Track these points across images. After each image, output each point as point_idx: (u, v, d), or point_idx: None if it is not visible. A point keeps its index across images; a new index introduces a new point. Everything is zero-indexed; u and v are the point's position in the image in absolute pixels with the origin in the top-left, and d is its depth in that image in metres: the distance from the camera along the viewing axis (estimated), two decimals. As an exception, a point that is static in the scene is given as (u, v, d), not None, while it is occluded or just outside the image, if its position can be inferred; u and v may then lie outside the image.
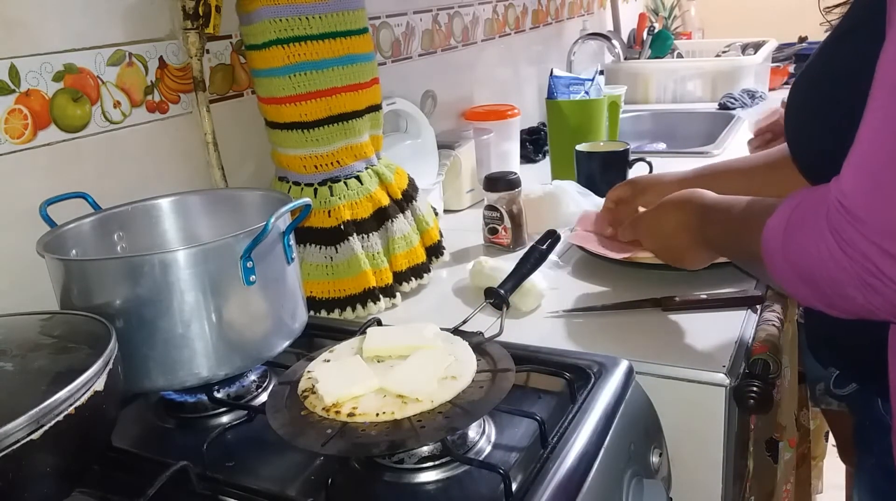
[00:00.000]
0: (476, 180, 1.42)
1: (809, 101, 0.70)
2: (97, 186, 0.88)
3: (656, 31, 2.42)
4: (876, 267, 0.52)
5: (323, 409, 0.65)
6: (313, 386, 0.68)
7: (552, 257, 1.00)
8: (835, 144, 0.56)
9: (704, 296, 0.93)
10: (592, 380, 0.74)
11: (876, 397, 0.70)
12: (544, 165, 1.67)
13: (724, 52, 2.53)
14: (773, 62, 2.36)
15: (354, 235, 0.96)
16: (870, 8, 0.55)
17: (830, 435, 1.51)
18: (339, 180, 0.97)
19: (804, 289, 0.60)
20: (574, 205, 1.22)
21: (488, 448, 0.67)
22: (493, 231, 1.19)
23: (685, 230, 0.83)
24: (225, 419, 0.77)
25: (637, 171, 1.34)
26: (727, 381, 0.77)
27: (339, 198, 0.96)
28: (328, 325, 0.94)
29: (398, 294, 1.01)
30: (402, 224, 1.01)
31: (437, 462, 0.64)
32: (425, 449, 0.64)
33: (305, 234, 0.96)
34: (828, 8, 0.74)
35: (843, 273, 0.54)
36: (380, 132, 1.04)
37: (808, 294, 0.60)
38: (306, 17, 0.91)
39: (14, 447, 0.51)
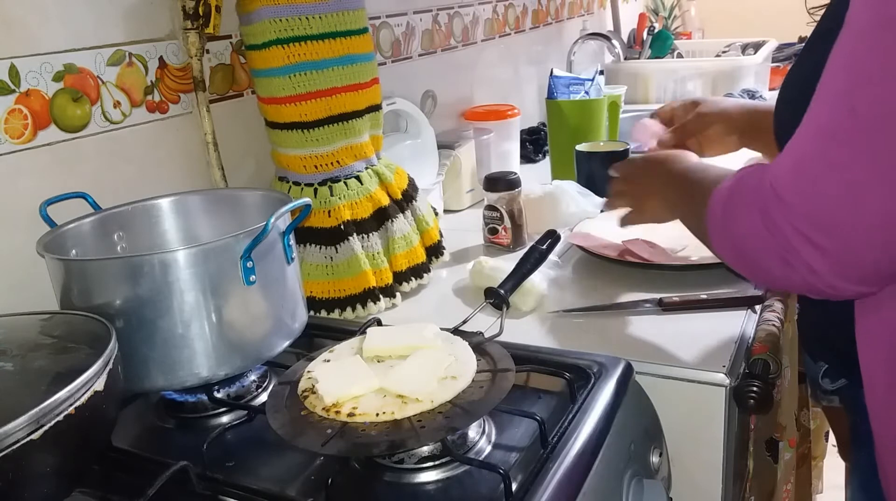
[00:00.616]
0: (476, 180, 1.42)
1: (795, 99, 0.71)
2: (97, 186, 0.88)
3: (656, 31, 2.42)
4: (791, 245, 0.57)
5: (323, 409, 0.65)
6: (313, 386, 0.68)
7: (552, 257, 1.00)
8: None
9: (704, 296, 0.93)
10: (592, 380, 0.74)
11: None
12: (544, 165, 1.67)
13: (724, 52, 2.53)
14: (773, 62, 2.36)
15: (354, 235, 0.96)
16: (844, 8, 0.56)
17: (831, 435, 1.51)
18: (339, 180, 0.97)
19: (736, 260, 0.65)
20: (574, 205, 1.22)
21: (488, 448, 0.67)
22: (493, 231, 1.19)
23: (654, 188, 0.88)
24: (225, 419, 0.77)
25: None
26: (727, 381, 0.77)
27: (339, 198, 0.96)
28: (328, 325, 0.94)
29: (398, 294, 1.01)
30: (402, 224, 1.01)
31: (437, 462, 0.64)
32: (425, 449, 0.64)
33: (305, 234, 0.96)
34: (813, 8, 0.75)
35: (766, 249, 0.59)
36: (380, 132, 1.04)
37: (739, 265, 0.65)
38: (306, 17, 0.91)
39: (14, 447, 0.51)
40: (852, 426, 0.77)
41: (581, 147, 1.37)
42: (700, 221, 0.69)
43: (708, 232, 0.67)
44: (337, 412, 0.64)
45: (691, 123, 1.04)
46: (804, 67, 0.72)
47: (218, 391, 0.78)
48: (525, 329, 0.91)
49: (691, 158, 0.85)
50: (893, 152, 0.52)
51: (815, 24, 0.72)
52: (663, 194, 0.86)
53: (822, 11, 0.72)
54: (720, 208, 0.64)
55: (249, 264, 0.73)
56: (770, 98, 2.11)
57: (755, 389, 0.76)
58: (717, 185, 0.66)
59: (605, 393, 0.72)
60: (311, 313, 0.92)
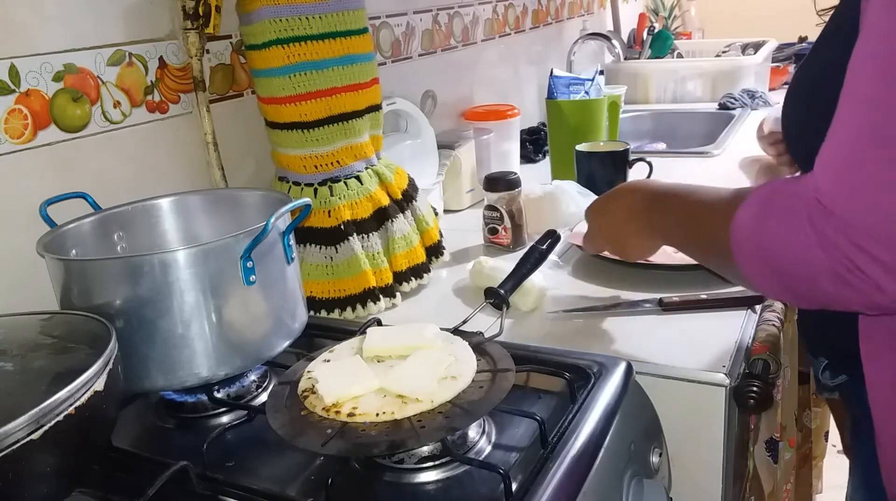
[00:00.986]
0: (476, 180, 1.42)
1: (803, 98, 0.71)
2: (97, 186, 0.88)
3: (656, 31, 2.42)
4: (853, 263, 0.53)
5: (323, 409, 0.65)
6: (313, 386, 0.68)
7: (552, 257, 1.00)
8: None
9: (704, 296, 0.93)
10: (592, 380, 0.74)
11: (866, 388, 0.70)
12: (544, 165, 1.67)
13: (724, 52, 2.53)
14: (773, 62, 2.36)
15: (354, 235, 0.96)
16: (852, 8, 0.56)
17: (831, 435, 1.51)
18: (339, 180, 0.97)
19: (772, 280, 0.61)
20: (574, 205, 1.22)
21: (488, 448, 0.67)
22: (493, 231, 1.19)
23: (632, 217, 0.82)
24: (225, 419, 0.77)
25: (637, 171, 1.34)
26: (727, 381, 0.77)
27: (339, 198, 0.96)
28: (328, 325, 0.94)
29: (398, 294, 1.01)
30: (402, 224, 1.01)
31: (437, 462, 0.64)
32: (425, 449, 0.64)
33: (305, 234, 0.96)
34: (823, 10, 0.75)
35: (818, 267, 0.56)
36: (380, 132, 1.04)
37: (774, 285, 0.61)
38: (306, 17, 0.91)
39: (14, 447, 0.51)
40: (853, 423, 0.77)
41: (581, 147, 1.37)
42: (711, 247, 0.65)
43: (734, 258, 0.62)
44: (337, 412, 0.64)
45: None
46: (812, 66, 0.72)
47: (218, 391, 0.78)
48: (525, 329, 0.91)
49: (659, 183, 0.81)
50: None
51: (824, 24, 0.73)
52: (647, 222, 0.80)
53: (831, 13, 0.72)
54: (750, 232, 0.60)
55: (249, 264, 0.73)
56: (772, 95, 2.12)
57: (755, 389, 0.76)
58: (732, 206, 0.62)
59: (605, 393, 0.72)
60: (311, 313, 0.92)
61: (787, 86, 2.48)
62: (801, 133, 0.71)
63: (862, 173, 0.53)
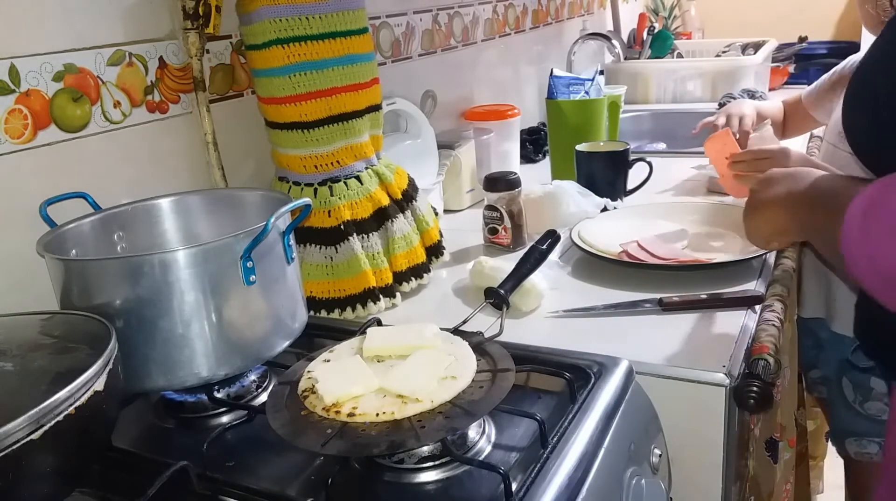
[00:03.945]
0: (476, 180, 1.42)
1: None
2: (97, 186, 0.88)
3: (656, 31, 2.42)
4: None
5: (323, 409, 0.65)
6: (313, 386, 0.68)
7: (552, 257, 1.00)
8: None
9: (704, 296, 0.93)
10: (592, 380, 0.74)
11: None
12: (544, 165, 1.67)
13: (724, 52, 2.53)
14: (773, 62, 2.36)
15: (354, 235, 0.96)
16: None
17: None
18: (339, 180, 0.97)
19: (881, 285, 0.56)
20: (574, 205, 1.22)
21: (488, 448, 0.67)
22: (493, 231, 1.19)
23: (787, 196, 0.74)
24: (225, 419, 0.77)
25: (637, 171, 1.35)
26: (727, 381, 0.77)
27: (339, 198, 0.96)
28: (328, 325, 0.94)
29: (398, 294, 1.01)
30: (402, 224, 1.01)
31: (437, 462, 0.64)
32: (425, 449, 0.64)
33: (305, 234, 0.96)
34: None
35: None
36: (380, 132, 1.04)
37: (883, 291, 0.56)
38: (306, 17, 0.91)
39: (14, 447, 0.51)
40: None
41: (581, 147, 1.37)
42: (834, 245, 0.59)
43: (845, 261, 0.57)
44: (337, 412, 0.64)
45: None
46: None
47: (218, 391, 0.78)
48: (525, 329, 0.91)
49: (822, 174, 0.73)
50: None
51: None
52: (794, 209, 0.73)
53: None
54: (856, 226, 0.55)
55: (249, 264, 0.73)
56: (772, 95, 2.11)
57: (755, 389, 0.76)
58: (850, 198, 0.57)
59: (605, 393, 0.72)
60: (311, 313, 0.92)
61: (787, 86, 2.46)
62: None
63: None
